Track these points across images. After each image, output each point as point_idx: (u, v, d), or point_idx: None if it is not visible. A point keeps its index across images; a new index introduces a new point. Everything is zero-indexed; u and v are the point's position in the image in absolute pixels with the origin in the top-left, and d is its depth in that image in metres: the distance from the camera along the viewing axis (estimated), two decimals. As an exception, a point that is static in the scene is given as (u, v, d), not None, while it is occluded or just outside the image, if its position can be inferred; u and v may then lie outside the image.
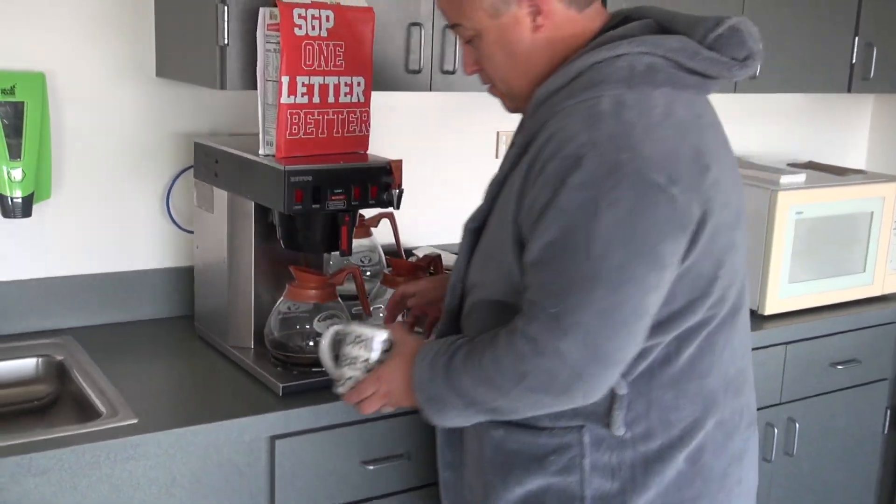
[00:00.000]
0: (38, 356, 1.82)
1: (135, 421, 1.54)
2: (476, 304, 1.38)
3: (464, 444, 1.48)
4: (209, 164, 1.83)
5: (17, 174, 1.79)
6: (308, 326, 1.74)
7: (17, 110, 1.80)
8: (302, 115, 1.65)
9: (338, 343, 1.48)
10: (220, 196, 1.81)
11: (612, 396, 1.29)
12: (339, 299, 1.73)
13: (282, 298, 1.73)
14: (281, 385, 1.66)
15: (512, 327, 1.25)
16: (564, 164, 1.19)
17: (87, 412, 1.66)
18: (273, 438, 1.61)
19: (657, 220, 1.19)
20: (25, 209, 1.82)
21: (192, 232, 2.04)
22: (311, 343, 1.70)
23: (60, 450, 1.44)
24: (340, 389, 1.46)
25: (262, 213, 1.77)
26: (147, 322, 2.04)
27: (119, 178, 1.99)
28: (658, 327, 1.27)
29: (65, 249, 1.96)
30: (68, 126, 1.92)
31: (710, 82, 1.32)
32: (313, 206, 1.62)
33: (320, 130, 1.68)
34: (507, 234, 1.28)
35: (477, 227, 1.38)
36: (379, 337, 1.44)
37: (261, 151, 1.68)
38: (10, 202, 1.80)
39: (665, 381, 1.31)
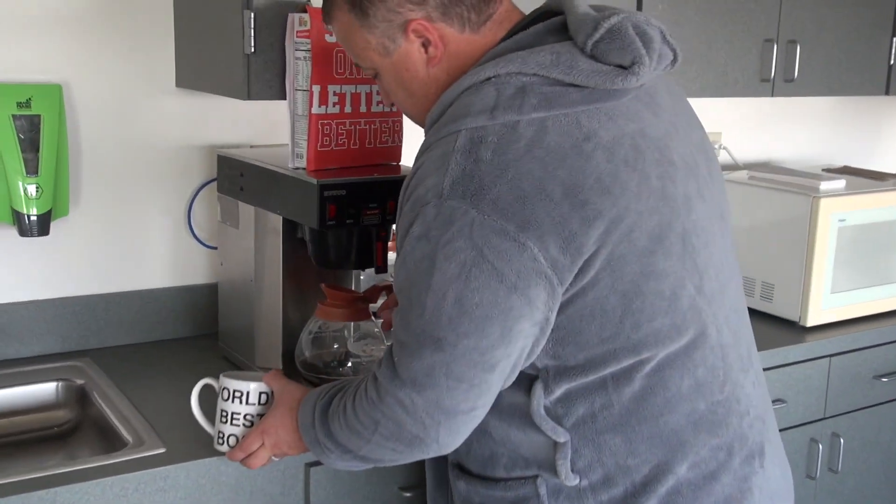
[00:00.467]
0: (57, 380, 1.75)
1: (162, 450, 1.46)
2: None
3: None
4: (234, 177, 1.76)
5: (33, 190, 1.72)
6: (337, 346, 1.66)
7: (34, 124, 1.72)
8: (333, 125, 1.57)
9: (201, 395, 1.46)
10: (246, 211, 1.74)
11: (553, 444, 1.23)
12: (373, 317, 1.66)
13: (312, 317, 1.65)
14: (314, 409, 1.58)
15: (372, 372, 1.24)
16: (412, 211, 1.15)
17: (110, 439, 1.59)
18: (308, 466, 1.54)
19: (501, 271, 1.10)
20: (42, 227, 1.75)
21: (215, 248, 1.97)
22: (349, 364, 1.64)
23: (86, 483, 1.36)
24: (222, 448, 1.43)
25: (291, 228, 1.69)
26: (169, 342, 1.97)
27: (138, 193, 1.91)
28: (578, 371, 1.19)
29: (83, 268, 1.89)
30: (85, 140, 1.85)
31: (611, 91, 1.17)
32: (347, 221, 1.54)
33: (352, 142, 1.61)
34: None
35: None
36: (256, 389, 1.42)
37: (290, 164, 1.60)
38: (26, 220, 1.73)
39: (609, 425, 1.21)
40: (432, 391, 1.16)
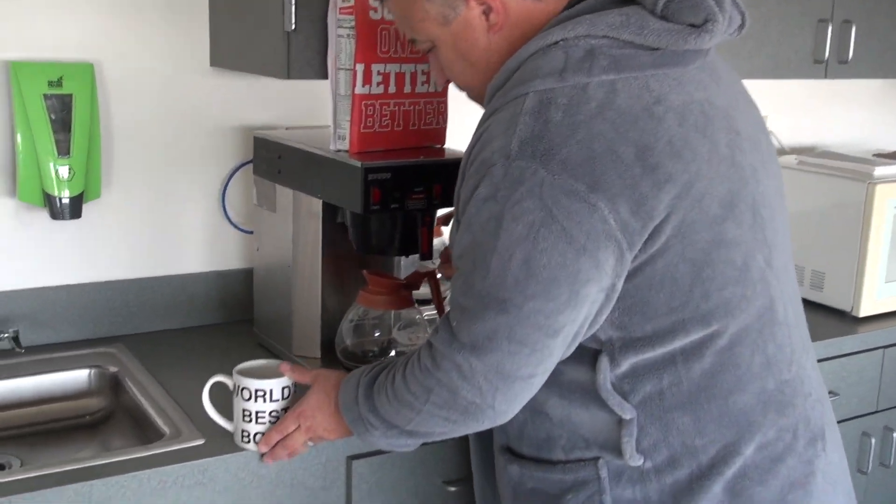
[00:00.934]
0: (89, 367, 1.71)
1: (201, 442, 1.41)
2: None
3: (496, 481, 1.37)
4: (271, 159, 1.70)
5: (65, 172, 1.67)
6: (378, 334, 1.61)
7: (65, 103, 1.68)
8: (377, 106, 1.51)
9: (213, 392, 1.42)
10: (284, 194, 1.68)
11: (619, 421, 1.18)
12: (416, 305, 1.61)
13: (354, 305, 1.60)
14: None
15: (426, 340, 1.21)
16: (478, 173, 1.12)
17: (144, 429, 1.54)
18: (350, 459, 1.49)
19: (570, 232, 1.07)
20: (74, 210, 1.70)
21: (250, 232, 1.92)
22: (392, 353, 1.59)
23: (123, 476, 1.32)
24: (249, 446, 1.40)
25: (331, 212, 1.64)
26: (203, 328, 1.92)
27: (172, 176, 1.86)
28: (645, 343, 1.15)
29: (116, 252, 1.84)
30: (117, 120, 1.79)
31: (681, 54, 1.15)
32: (392, 206, 1.48)
33: (396, 123, 1.55)
34: None
35: None
36: (278, 386, 1.39)
37: (332, 146, 1.54)
38: (58, 203, 1.68)
39: (678, 403, 1.17)
40: (493, 355, 1.12)
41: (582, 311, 1.11)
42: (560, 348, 1.14)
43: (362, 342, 1.61)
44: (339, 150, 1.54)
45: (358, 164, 1.46)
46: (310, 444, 1.38)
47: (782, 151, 2.58)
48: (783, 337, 1.22)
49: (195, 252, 1.92)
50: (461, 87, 1.30)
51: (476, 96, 1.29)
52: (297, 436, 1.36)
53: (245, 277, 1.94)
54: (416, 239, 1.55)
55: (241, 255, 1.96)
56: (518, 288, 1.09)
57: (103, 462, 1.34)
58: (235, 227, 1.93)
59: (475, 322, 1.12)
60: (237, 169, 1.91)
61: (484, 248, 1.10)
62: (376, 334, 1.62)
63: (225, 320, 1.95)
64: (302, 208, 1.65)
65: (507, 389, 1.14)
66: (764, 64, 2.14)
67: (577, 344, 1.16)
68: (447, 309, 1.19)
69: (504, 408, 1.16)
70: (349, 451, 1.48)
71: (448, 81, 1.32)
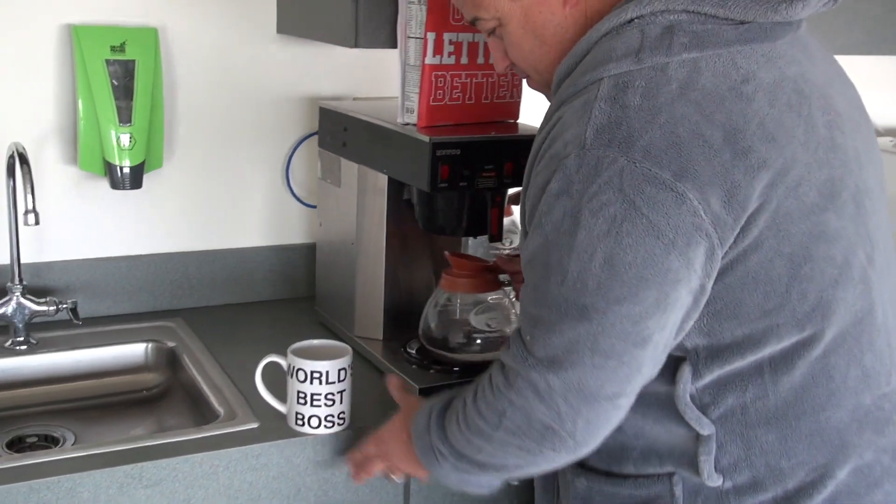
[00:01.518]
0: (147, 341, 1.67)
1: (255, 425, 1.36)
2: None
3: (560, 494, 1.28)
4: (336, 132, 1.64)
5: (126, 140, 1.63)
6: (458, 316, 1.53)
7: (128, 70, 1.63)
8: (448, 77, 1.44)
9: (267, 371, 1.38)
10: (349, 168, 1.62)
11: (696, 437, 1.08)
12: (504, 288, 1.52)
13: (437, 289, 1.53)
14: (418, 386, 1.47)
15: (497, 360, 1.10)
16: (548, 168, 1.01)
17: (200, 408, 1.50)
18: (409, 448, 1.43)
19: (657, 226, 0.95)
20: (135, 180, 1.66)
21: (314, 207, 1.86)
22: (478, 342, 1.52)
23: (174, 458, 1.27)
24: (303, 429, 1.35)
25: (397, 188, 1.57)
26: (263, 304, 1.88)
27: (235, 146, 1.81)
28: (733, 350, 1.04)
29: (176, 223, 1.80)
30: (180, 88, 1.75)
31: (770, 28, 1.03)
32: (461, 183, 1.41)
33: (467, 96, 1.47)
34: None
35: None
36: (335, 367, 1.33)
37: (399, 119, 1.47)
38: (118, 172, 1.64)
39: (763, 419, 1.06)
40: (574, 370, 1.00)
41: (671, 317, 1.00)
42: (649, 362, 1.02)
43: (447, 328, 1.52)
44: (406, 124, 1.47)
45: (426, 138, 1.39)
46: (396, 479, 1.32)
47: (877, 133, 2.44)
48: (882, 345, 1.10)
49: (257, 225, 1.87)
50: (526, 70, 1.18)
51: (541, 83, 1.18)
52: (374, 461, 1.30)
53: (307, 253, 1.89)
54: (486, 219, 1.48)
55: (303, 229, 1.90)
56: (601, 291, 0.97)
57: (155, 443, 1.30)
58: (299, 200, 1.87)
59: (552, 334, 1.00)
60: (301, 141, 1.85)
61: (559, 248, 0.99)
62: (453, 317, 1.54)
63: (285, 296, 1.91)
64: (367, 183, 1.59)
65: (589, 411, 1.02)
66: (859, 39, 2.00)
67: (664, 358, 1.04)
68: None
69: (585, 435, 1.04)
70: (409, 440, 1.42)
71: (509, 66, 1.20)
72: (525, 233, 1.08)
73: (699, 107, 0.97)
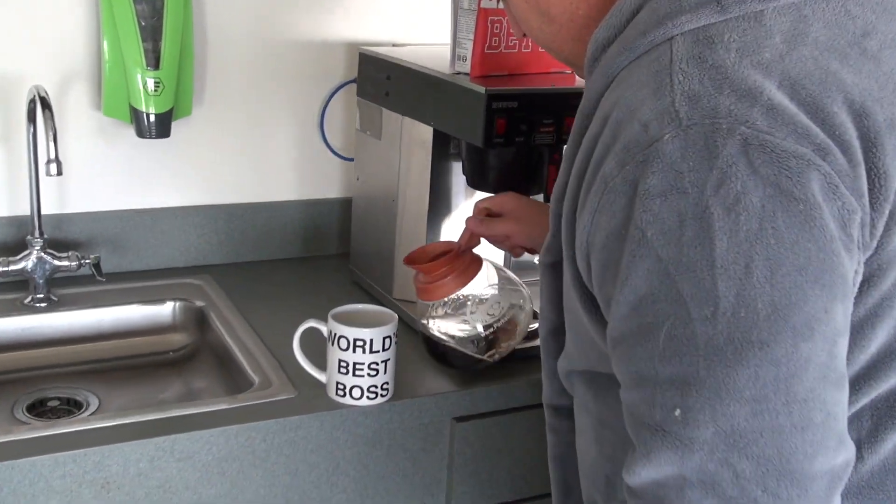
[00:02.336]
0: (175, 300, 1.59)
1: (293, 395, 1.28)
2: (571, 375, 0.96)
3: None
4: (379, 80, 1.54)
5: (153, 85, 1.53)
6: (458, 327, 1.40)
7: (156, 9, 1.52)
8: (505, 23, 1.33)
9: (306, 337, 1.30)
10: (392, 120, 1.52)
11: None
12: (491, 263, 1.38)
13: (419, 302, 1.38)
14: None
15: (603, 478, 0.88)
16: (629, 160, 0.73)
17: (230, 372, 1.43)
18: (455, 421, 1.34)
19: (819, 212, 0.70)
20: (162, 128, 1.56)
21: (351, 160, 1.76)
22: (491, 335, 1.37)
23: (208, 430, 1.19)
24: (344, 400, 1.28)
25: (442, 141, 1.48)
26: (294, 261, 1.79)
27: (267, 94, 1.71)
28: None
29: (205, 175, 1.71)
30: (211, 31, 1.64)
31: None
32: (517, 139, 1.31)
33: (524, 44, 1.36)
34: (570, 276, 0.83)
35: (555, 262, 0.93)
36: (379, 335, 1.25)
37: (451, 68, 1.37)
38: (145, 119, 1.54)
39: (852, 489, 0.81)
40: (769, 441, 0.70)
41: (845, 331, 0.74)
42: (845, 402, 0.74)
43: (455, 342, 1.38)
44: (458, 73, 1.36)
45: (481, 89, 1.29)
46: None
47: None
48: None
49: (290, 178, 1.77)
50: (543, 48, 0.98)
51: (562, 60, 0.97)
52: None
53: (340, 208, 1.80)
54: (542, 178, 1.38)
55: (339, 183, 1.81)
56: (777, 314, 0.69)
57: (187, 412, 1.22)
58: (334, 153, 1.78)
59: (719, 395, 0.70)
60: (337, 89, 1.75)
61: (691, 269, 0.70)
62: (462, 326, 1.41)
63: (318, 253, 1.82)
64: (411, 136, 1.49)
65: (802, 496, 0.70)
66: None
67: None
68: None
69: None
70: (455, 413, 1.34)
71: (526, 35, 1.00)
72: (574, 268, 0.83)
73: (817, 64, 0.76)
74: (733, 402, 0.69)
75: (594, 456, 0.94)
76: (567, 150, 0.87)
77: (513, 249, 1.32)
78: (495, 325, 1.35)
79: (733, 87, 0.73)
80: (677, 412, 0.72)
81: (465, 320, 1.39)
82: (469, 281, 1.27)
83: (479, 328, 1.36)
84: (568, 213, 0.83)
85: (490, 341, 1.35)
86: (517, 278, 1.37)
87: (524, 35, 0.98)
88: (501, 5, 0.99)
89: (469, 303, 1.40)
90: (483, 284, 1.38)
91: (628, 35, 0.81)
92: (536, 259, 1.59)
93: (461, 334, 1.37)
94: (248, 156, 1.72)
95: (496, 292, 1.38)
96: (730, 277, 0.69)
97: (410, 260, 1.29)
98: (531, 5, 0.91)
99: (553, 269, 0.93)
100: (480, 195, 1.40)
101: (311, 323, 1.28)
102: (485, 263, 1.32)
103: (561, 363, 0.96)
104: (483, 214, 1.29)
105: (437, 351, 1.37)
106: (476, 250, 1.31)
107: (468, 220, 1.29)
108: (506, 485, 1.41)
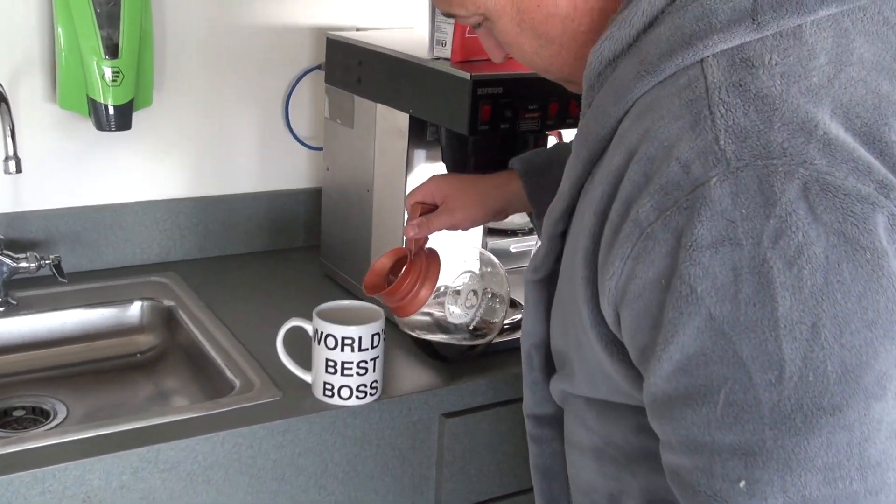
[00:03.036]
0: (141, 299, 1.54)
1: (278, 397, 1.25)
2: (569, 399, 0.93)
3: None
4: (349, 66, 1.50)
5: (111, 75, 1.47)
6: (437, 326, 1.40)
7: (113, -6, 1.46)
8: (486, 6, 1.30)
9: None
10: (365, 107, 1.48)
11: None
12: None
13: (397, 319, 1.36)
14: (449, 356, 1.36)
15: None
16: (669, 205, 0.68)
17: (205, 372, 1.39)
18: (444, 417, 1.32)
19: (881, 265, 0.65)
20: (122, 119, 1.50)
21: (318, 149, 1.72)
22: (476, 326, 1.37)
23: (193, 438, 1.15)
24: (332, 401, 1.24)
25: (419, 128, 1.44)
26: (261, 255, 1.75)
27: (230, 80, 1.66)
28: None
29: (168, 167, 1.65)
30: (171, 16, 1.59)
31: None
32: (502, 125, 1.28)
33: (505, 27, 1.33)
34: (584, 316, 0.79)
35: (543, 279, 0.91)
36: (368, 332, 1.21)
37: (429, 53, 1.34)
38: (104, 111, 1.48)
39: None
40: None
41: None
42: None
43: (445, 336, 1.38)
44: (437, 58, 1.33)
45: (466, 75, 1.26)
46: None
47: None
48: None
49: (254, 169, 1.73)
50: (536, 71, 0.91)
51: (556, 79, 0.91)
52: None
53: (309, 199, 1.76)
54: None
55: (306, 173, 1.77)
56: (849, 376, 0.65)
57: (169, 420, 1.18)
58: (301, 142, 1.73)
59: (789, 465, 0.65)
60: (302, 76, 1.71)
61: (752, 329, 0.65)
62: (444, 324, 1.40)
63: (285, 246, 1.78)
64: (386, 124, 1.45)
65: None
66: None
67: None
68: None
69: None
70: (444, 409, 1.32)
71: (507, 57, 0.94)
72: (585, 287, 0.77)
73: (868, 87, 0.71)
74: (804, 472, 0.66)
75: (593, 473, 0.92)
76: (569, 172, 0.82)
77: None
78: (477, 314, 1.33)
79: (784, 121, 0.67)
80: (742, 484, 0.67)
81: (447, 314, 1.37)
82: (436, 279, 1.23)
83: (464, 320, 1.34)
84: (586, 253, 0.76)
85: (476, 327, 1.34)
86: (476, 248, 1.36)
87: (507, 57, 0.92)
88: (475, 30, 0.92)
89: (446, 298, 1.38)
90: (452, 274, 1.37)
91: (648, 54, 0.74)
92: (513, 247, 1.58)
93: (449, 328, 1.35)
94: (210, 147, 1.68)
95: (467, 280, 1.37)
96: (795, 339, 0.64)
97: (371, 288, 1.24)
98: (524, 29, 0.84)
99: (540, 284, 0.91)
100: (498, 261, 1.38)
101: (295, 322, 1.25)
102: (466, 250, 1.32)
103: (557, 385, 0.94)
104: (417, 212, 1.23)
105: (430, 349, 1.35)
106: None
107: (406, 229, 1.23)
108: (495, 480, 1.39)
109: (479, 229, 1.46)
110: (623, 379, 0.79)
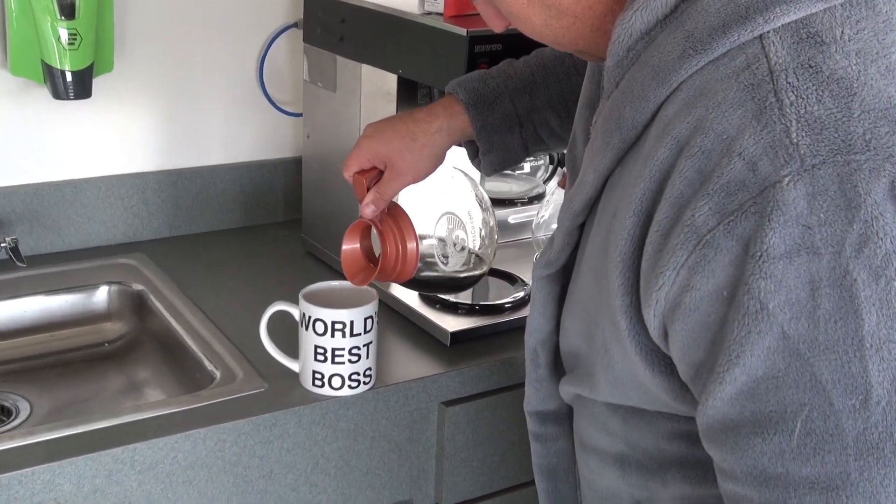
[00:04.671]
0: (108, 284, 1.49)
1: (263, 389, 1.21)
2: (585, 403, 0.91)
3: None
4: (330, 24, 1.45)
5: (69, 38, 1.42)
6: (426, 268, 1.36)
7: (67, -52, 1.41)
8: (481, -46, 1.25)
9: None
10: (348, 68, 1.44)
11: None
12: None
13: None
14: (450, 331, 1.33)
15: None
16: (733, 209, 0.64)
17: (181, 363, 1.36)
18: (444, 405, 1.29)
19: None
20: (82, 87, 1.46)
21: (297, 115, 1.68)
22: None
23: (173, 436, 1.11)
24: (322, 391, 1.21)
25: (408, 90, 1.41)
26: (236, 232, 1.71)
27: (198, 42, 1.62)
28: None
29: (133, 139, 1.60)
30: (131, -29, 1.54)
31: None
32: (502, 86, 1.24)
33: (503, -23, 1.29)
34: (620, 325, 0.75)
35: (554, 273, 0.89)
36: (360, 316, 1.18)
37: (420, 8, 1.29)
38: (61, 78, 1.43)
39: None
40: None
41: None
42: None
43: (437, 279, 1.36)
44: (428, 13, 1.29)
45: (462, 31, 1.21)
46: None
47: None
48: None
49: (227, 138, 1.69)
50: (546, 43, 0.85)
51: (578, 51, 0.84)
52: None
53: (289, 169, 1.72)
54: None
55: (284, 142, 1.73)
56: None
57: (146, 416, 1.14)
58: (278, 108, 1.69)
59: (875, 499, 0.63)
60: (278, 35, 1.66)
61: (830, 348, 0.62)
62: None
63: (263, 221, 1.74)
64: (373, 86, 1.41)
65: None
66: None
67: None
68: None
69: None
70: (443, 397, 1.29)
71: (509, 26, 0.87)
72: (624, 294, 0.74)
73: None
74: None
75: (614, 480, 0.90)
76: (596, 160, 0.77)
77: None
78: (471, 260, 1.33)
79: (865, 108, 0.63)
80: None
81: (440, 265, 1.34)
82: (413, 227, 1.17)
83: (460, 262, 1.33)
84: (625, 258, 0.72)
85: (475, 260, 1.33)
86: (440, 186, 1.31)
87: (508, 25, 0.85)
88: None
89: (434, 251, 1.34)
90: (426, 226, 1.32)
91: (696, 29, 0.69)
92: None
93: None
94: (179, 115, 1.63)
95: (446, 223, 1.33)
96: (883, 359, 0.61)
97: (359, 277, 1.19)
98: (532, 1, 0.78)
99: (551, 279, 0.89)
100: (465, 188, 1.34)
101: (280, 306, 1.21)
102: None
103: (569, 388, 0.90)
104: (361, 184, 1.15)
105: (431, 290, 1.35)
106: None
107: (363, 211, 1.15)
108: (500, 471, 1.36)
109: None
110: (664, 391, 0.75)
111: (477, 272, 1.35)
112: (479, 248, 1.34)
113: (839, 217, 0.61)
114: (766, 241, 0.62)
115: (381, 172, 1.15)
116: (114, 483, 1.09)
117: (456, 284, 1.36)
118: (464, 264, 1.34)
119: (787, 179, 0.62)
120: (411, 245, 1.16)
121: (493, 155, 1.16)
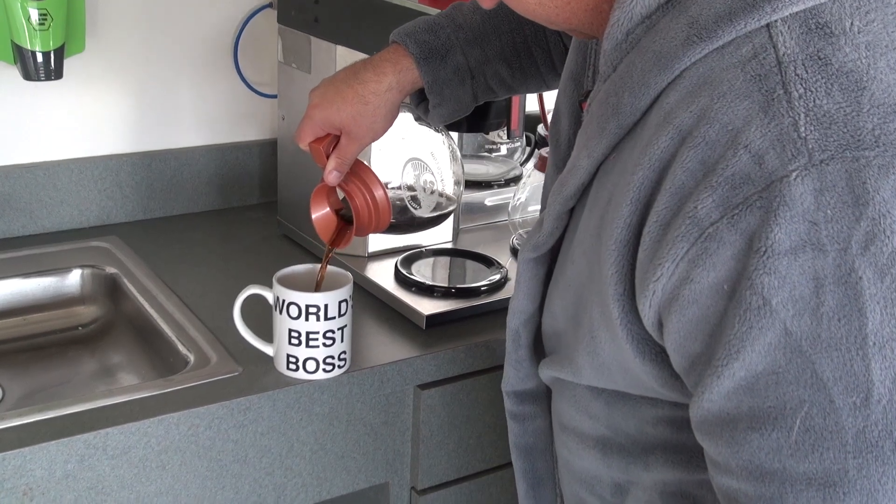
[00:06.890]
0: (81, 267, 1.49)
1: (237, 373, 1.22)
2: (566, 385, 0.92)
3: None
4: (305, 4, 1.45)
5: (39, 18, 1.41)
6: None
7: (36, -74, 1.40)
8: (456, -65, 1.26)
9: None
10: (323, 50, 1.44)
11: None
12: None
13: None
14: (425, 314, 1.34)
15: None
16: (737, 203, 0.64)
17: (155, 347, 1.36)
18: (420, 388, 1.30)
19: None
20: (53, 68, 1.45)
21: (272, 96, 1.68)
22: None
23: (145, 421, 1.12)
24: (297, 375, 1.21)
25: (384, 73, 1.40)
26: (211, 215, 1.72)
27: (172, 22, 1.61)
28: None
29: (105, 120, 1.61)
30: (102, -50, 1.53)
31: None
32: (480, 68, 1.25)
33: (478, -42, 1.29)
34: (612, 312, 0.75)
35: (539, 255, 0.89)
36: (335, 300, 1.17)
37: (396, -11, 1.30)
38: (32, 59, 1.43)
39: None
40: None
41: None
42: None
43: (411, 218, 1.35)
44: (404, -6, 1.29)
45: (435, 13, 1.22)
46: None
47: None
48: None
49: (201, 120, 1.69)
50: (537, 20, 0.83)
51: (572, 29, 0.83)
52: None
53: (263, 151, 1.73)
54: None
55: (259, 124, 1.73)
56: None
57: (118, 400, 1.15)
58: (252, 89, 1.69)
59: (874, 498, 0.63)
60: (252, 15, 1.66)
61: (832, 345, 0.62)
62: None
63: (238, 204, 1.75)
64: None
65: None
66: None
67: None
68: None
69: None
70: (419, 381, 1.30)
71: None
72: (618, 282, 0.74)
73: None
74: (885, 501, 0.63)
75: (595, 462, 0.91)
76: (590, 143, 0.77)
77: None
78: (441, 195, 1.32)
79: (874, 102, 0.62)
80: None
81: (413, 212, 1.34)
82: (375, 175, 1.18)
83: (431, 207, 1.33)
84: (620, 246, 0.72)
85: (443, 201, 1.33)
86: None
87: (496, 4, 0.83)
88: None
89: (404, 199, 1.34)
90: (393, 175, 1.33)
91: (700, 15, 0.69)
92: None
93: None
94: (152, 96, 1.63)
95: (412, 169, 1.33)
96: (885, 358, 0.61)
97: (331, 239, 1.20)
98: None
99: (536, 262, 0.89)
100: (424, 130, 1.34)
101: (254, 289, 1.21)
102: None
103: (549, 371, 0.91)
104: (319, 152, 1.16)
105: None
106: None
107: (326, 178, 1.16)
108: (476, 454, 1.37)
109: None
110: (653, 379, 0.76)
111: (451, 208, 1.34)
112: (449, 189, 1.33)
113: (846, 214, 0.61)
114: (771, 236, 0.62)
115: (338, 137, 1.15)
116: (86, 468, 1.10)
117: (433, 222, 1.36)
118: (436, 206, 1.34)
119: (794, 174, 0.62)
120: (379, 193, 1.16)
121: (443, 108, 1.16)
